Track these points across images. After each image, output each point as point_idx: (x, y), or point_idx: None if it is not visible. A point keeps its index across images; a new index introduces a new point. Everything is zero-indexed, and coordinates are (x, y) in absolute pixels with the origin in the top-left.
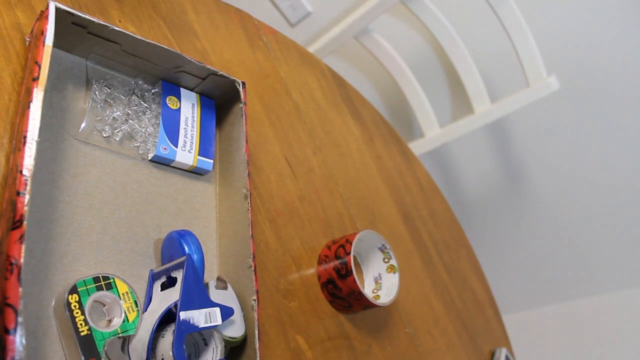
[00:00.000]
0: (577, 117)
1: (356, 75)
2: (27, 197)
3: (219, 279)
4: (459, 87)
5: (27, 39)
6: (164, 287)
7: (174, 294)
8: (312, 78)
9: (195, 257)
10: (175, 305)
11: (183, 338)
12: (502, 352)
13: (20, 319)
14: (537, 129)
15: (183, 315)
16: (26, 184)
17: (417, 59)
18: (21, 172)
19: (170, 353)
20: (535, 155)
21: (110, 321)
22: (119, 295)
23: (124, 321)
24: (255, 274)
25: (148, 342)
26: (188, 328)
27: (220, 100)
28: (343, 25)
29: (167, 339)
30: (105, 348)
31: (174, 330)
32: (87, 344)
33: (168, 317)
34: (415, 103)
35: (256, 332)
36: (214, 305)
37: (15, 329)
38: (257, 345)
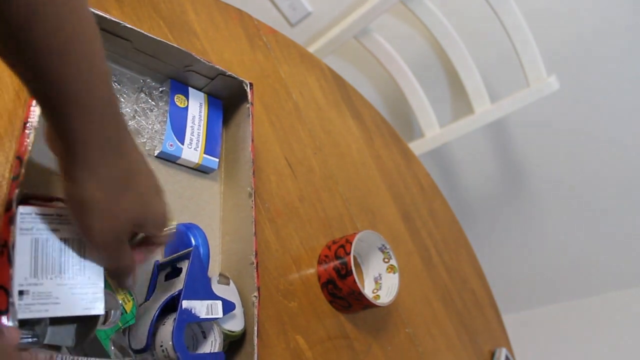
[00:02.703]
0: (577, 117)
1: (356, 75)
2: (20, 181)
3: (221, 274)
4: (459, 87)
5: None
6: (168, 277)
7: (177, 284)
8: (312, 78)
9: (201, 250)
10: (178, 293)
11: (183, 327)
12: (502, 352)
13: (11, 300)
14: (537, 129)
15: (185, 304)
16: (20, 168)
17: (417, 59)
18: (17, 157)
19: (170, 342)
20: (535, 155)
21: (107, 314)
22: (112, 289)
23: (122, 313)
24: (257, 270)
25: (149, 329)
26: (189, 317)
27: (227, 101)
28: (343, 25)
29: (168, 327)
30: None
31: (174, 319)
32: (95, 346)
33: (170, 308)
34: (415, 103)
35: (255, 328)
36: (217, 298)
37: (7, 309)
38: (255, 342)
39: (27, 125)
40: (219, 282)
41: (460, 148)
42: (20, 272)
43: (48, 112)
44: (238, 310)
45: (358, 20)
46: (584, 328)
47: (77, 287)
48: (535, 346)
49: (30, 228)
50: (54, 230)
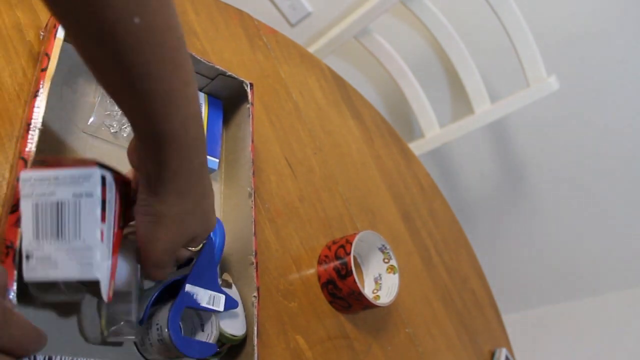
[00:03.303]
0: (577, 117)
1: (356, 75)
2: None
3: (223, 279)
4: (459, 87)
5: (42, 33)
6: (178, 266)
7: (185, 272)
8: (312, 78)
9: (217, 240)
10: (183, 277)
11: (182, 308)
12: (502, 352)
13: (15, 302)
14: (537, 129)
15: (188, 287)
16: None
17: (417, 59)
18: (21, 157)
19: (166, 326)
20: (535, 155)
21: None
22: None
23: None
24: (256, 270)
25: (147, 304)
26: (190, 301)
27: (227, 102)
28: (343, 25)
29: (167, 308)
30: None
31: (175, 301)
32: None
33: (174, 296)
34: (415, 103)
35: (255, 328)
36: (221, 291)
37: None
38: (255, 342)
39: (31, 126)
40: (221, 286)
41: (460, 148)
42: (26, 237)
43: (143, 140)
44: (240, 315)
45: (358, 20)
46: (584, 328)
47: (74, 251)
48: (535, 346)
49: (31, 193)
50: (50, 194)
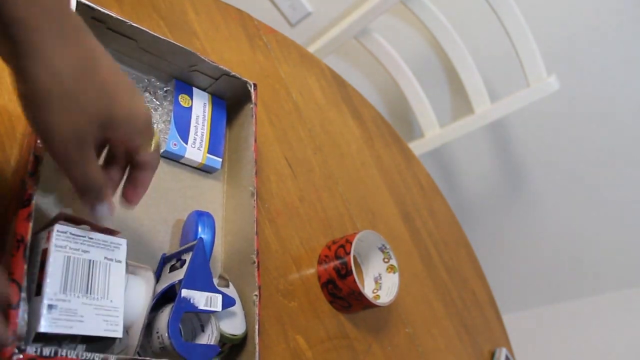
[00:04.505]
0: (577, 117)
1: (356, 75)
2: (37, 177)
3: (221, 277)
4: (459, 87)
5: None
6: (172, 269)
7: (180, 275)
8: (312, 78)
9: (206, 237)
10: (179, 282)
11: (180, 315)
12: (502, 352)
13: (23, 295)
14: (537, 129)
15: (184, 292)
16: (37, 165)
17: (417, 59)
18: (33, 154)
19: (166, 333)
20: (535, 155)
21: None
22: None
23: None
24: (258, 269)
25: (145, 313)
26: (187, 306)
27: (230, 102)
28: (343, 25)
29: (165, 315)
30: None
31: (172, 307)
32: None
33: (171, 300)
34: (415, 103)
35: (256, 327)
36: (217, 291)
37: (18, 304)
38: (256, 341)
39: None
40: (218, 285)
41: (460, 148)
42: (52, 287)
43: None
44: (239, 314)
45: (358, 20)
46: (584, 328)
47: (101, 308)
48: (535, 346)
49: (65, 246)
50: (85, 252)
